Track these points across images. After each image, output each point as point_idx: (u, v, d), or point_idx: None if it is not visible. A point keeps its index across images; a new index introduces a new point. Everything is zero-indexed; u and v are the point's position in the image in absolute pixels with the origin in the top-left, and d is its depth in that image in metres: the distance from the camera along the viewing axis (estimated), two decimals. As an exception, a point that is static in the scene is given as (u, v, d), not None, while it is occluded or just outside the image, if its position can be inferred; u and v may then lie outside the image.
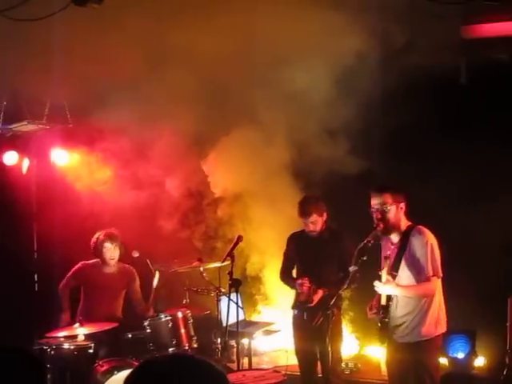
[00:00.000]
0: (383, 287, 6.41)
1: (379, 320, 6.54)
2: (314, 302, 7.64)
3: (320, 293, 7.63)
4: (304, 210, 7.84)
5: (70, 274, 8.76)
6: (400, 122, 9.08)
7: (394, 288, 6.40)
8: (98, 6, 7.00)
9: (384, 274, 6.38)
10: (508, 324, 8.62)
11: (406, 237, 6.48)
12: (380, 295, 6.50)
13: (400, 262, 6.45)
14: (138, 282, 8.83)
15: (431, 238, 6.46)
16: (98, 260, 8.70)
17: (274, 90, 9.74)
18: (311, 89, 9.67)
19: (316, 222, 7.84)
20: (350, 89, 9.18)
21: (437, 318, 6.48)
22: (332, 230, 8.01)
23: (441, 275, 6.44)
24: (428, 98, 9.18)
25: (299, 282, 7.74)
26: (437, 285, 6.46)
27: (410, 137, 9.56)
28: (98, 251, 8.63)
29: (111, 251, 8.60)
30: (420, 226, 6.54)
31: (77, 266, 8.76)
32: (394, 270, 6.44)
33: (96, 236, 8.65)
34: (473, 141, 9.26)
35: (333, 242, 7.87)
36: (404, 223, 6.54)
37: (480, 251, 8.83)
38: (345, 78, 9.19)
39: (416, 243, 6.43)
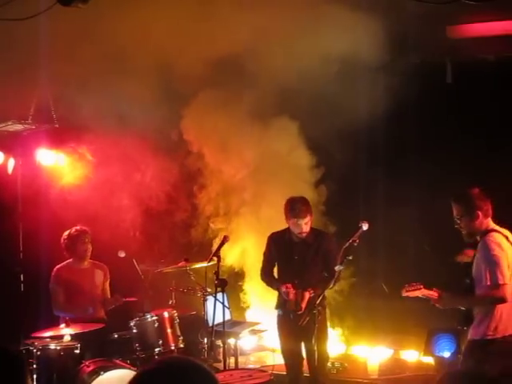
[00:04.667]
0: (439, 302, 6.38)
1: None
2: (303, 309, 7.53)
3: (306, 296, 7.56)
4: (300, 211, 7.69)
5: (53, 286, 8.72)
6: (385, 121, 9.12)
7: (450, 299, 6.39)
8: (83, 6, 6.95)
9: (416, 293, 6.36)
10: (494, 323, 8.64)
11: (479, 243, 6.41)
12: None
13: (472, 266, 6.41)
14: (108, 281, 8.91)
15: (494, 246, 6.27)
16: (70, 260, 8.75)
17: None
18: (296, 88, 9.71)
19: (308, 223, 7.76)
20: (334, 89, 9.18)
21: (491, 320, 6.29)
22: (315, 231, 7.96)
23: (505, 282, 6.19)
24: (414, 97, 9.19)
25: (284, 290, 7.63)
26: (505, 291, 6.20)
27: (398, 136, 9.59)
28: (72, 246, 8.69)
29: (86, 244, 8.68)
30: (490, 234, 6.36)
31: (53, 274, 8.77)
32: (468, 277, 6.41)
33: (67, 233, 8.73)
34: (458, 139, 9.31)
35: (316, 243, 7.81)
36: (483, 228, 6.40)
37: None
38: (330, 78, 9.19)
39: (480, 251, 6.33)
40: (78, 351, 7.65)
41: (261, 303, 10.53)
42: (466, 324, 6.49)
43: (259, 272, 8.19)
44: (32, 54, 8.56)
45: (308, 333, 6.93)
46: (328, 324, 8.05)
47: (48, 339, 7.72)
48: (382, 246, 9.36)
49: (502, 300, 6.25)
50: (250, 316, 10.74)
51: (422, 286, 6.37)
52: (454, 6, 7.14)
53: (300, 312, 7.56)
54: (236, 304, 10.32)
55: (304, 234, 7.79)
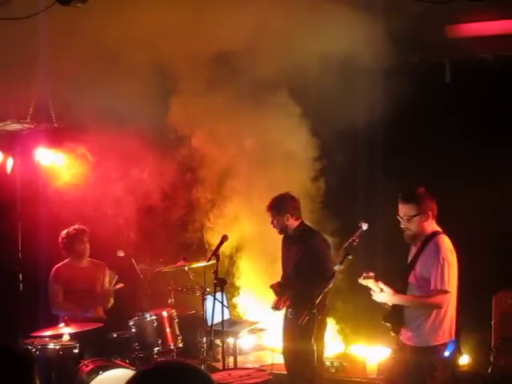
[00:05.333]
0: (378, 296, 6.41)
1: (385, 317, 6.58)
2: (279, 308, 7.76)
3: (285, 296, 7.70)
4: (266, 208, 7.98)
5: (52, 285, 8.72)
6: (384, 120, 9.11)
7: (392, 297, 6.40)
8: (82, 6, 6.95)
9: (369, 282, 6.38)
10: (493, 322, 8.66)
11: (424, 244, 6.44)
12: None
13: (412, 267, 6.45)
14: (107, 279, 8.91)
15: (445, 251, 6.36)
16: (68, 259, 8.77)
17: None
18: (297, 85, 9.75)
19: (275, 222, 7.94)
20: (332, 88, 9.18)
21: (440, 327, 6.40)
22: (302, 230, 8.02)
23: (449, 290, 6.31)
24: (412, 96, 9.18)
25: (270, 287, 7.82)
26: (445, 299, 6.34)
27: (396, 135, 9.59)
28: (70, 245, 8.72)
29: (84, 243, 8.72)
30: (440, 236, 6.45)
31: (52, 273, 8.77)
32: (406, 275, 6.45)
33: (65, 232, 8.75)
34: (457, 139, 9.30)
35: (299, 241, 7.91)
36: (429, 229, 6.47)
37: (464, 250, 8.85)
38: (327, 76, 9.20)
39: (429, 253, 6.38)
40: (76, 351, 7.65)
41: (252, 290, 10.59)
42: (393, 322, 6.53)
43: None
44: (31, 53, 8.55)
45: (307, 332, 6.92)
46: (326, 325, 8.07)
47: (47, 339, 7.71)
48: (381, 243, 9.36)
49: (440, 306, 6.36)
50: (238, 302, 10.78)
51: (373, 276, 6.39)
52: (452, 6, 7.15)
53: (275, 310, 7.78)
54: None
55: (278, 231, 8.00)
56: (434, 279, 6.28)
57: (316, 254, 7.67)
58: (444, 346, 6.46)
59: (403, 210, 6.45)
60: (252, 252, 10.50)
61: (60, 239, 8.78)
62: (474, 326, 8.87)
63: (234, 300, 10.70)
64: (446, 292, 6.31)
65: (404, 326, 6.53)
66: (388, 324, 6.62)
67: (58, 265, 8.79)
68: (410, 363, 6.51)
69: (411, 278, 6.46)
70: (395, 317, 6.52)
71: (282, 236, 8.18)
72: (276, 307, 7.77)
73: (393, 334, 6.69)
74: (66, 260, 8.80)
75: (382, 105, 9.03)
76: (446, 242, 6.43)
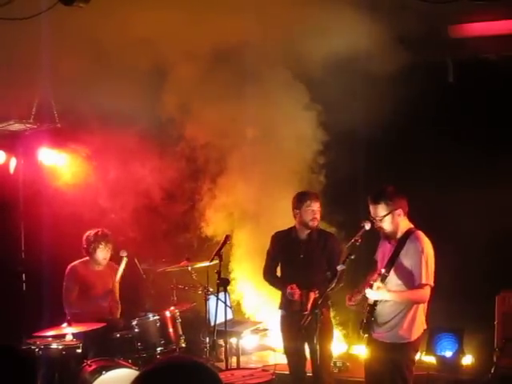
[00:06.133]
0: (374, 293, 6.41)
1: (365, 318, 6.56)
2: (309, 309, 7.56)
3: (312, 297, 7.53)
4: (311, 195, 7.79)
5: (68, 283, 8.54)
6: (385, 119, 9.11)
7: (386, 294, 6.41)
8: (84, 6, 6.96)
9: (376, 282, 6.39)
10: (496, 322, 8.67)
11: (403, 240, 6.48)
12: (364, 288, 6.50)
13: (393, 263, 6.46)
14: (118, 283, 8.82)
15: (427, 245, 6.45)
16: (87, 258, 8.64)
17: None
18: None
19: (319, 212, 7.76)
20: (334, 87, 9.18)
21: (416, 322, 6.50)
22: (320, 231, 7.94)
23: (432, 284, 6.43)
24: (415, 96, 9.17)
25: (288, 290, 7.62)
26: (429, 292, 6.45)
27: (398, 135, 9.59)
28: (91, 249, 8.49)
29: (105, 252, 8.52)
30: (418, 232, 6.52)
31: (69, 271, 8.59)
32: (386, 271, 6.46)
33: (91, 234, 8.53)
34: (460, 138, 9.30)
35: (322, 241, 7.79)
36: (404, 226, 6.53)
37: (467, 250, 8.87)
38: (329, 76, 9.20)
39: (411, 249, 6.42)
40: (79, 350, 7.62)
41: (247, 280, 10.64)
42: (367, 321, 6.55)
43: (262, 270, 8.13)
44: (34, 53, 8.56)
45: (310, 333, 6.91)
46: (332, 324, 8.04)
47: (50, 338, 7.69)
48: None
49: (425, 300, 6.50)
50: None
51: (381, 274, 6.45)
52: (455, 6, 7.15)
53: (306, 312, 7.58)
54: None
55: (316, 223, 7.75)
56: (419, 274, 6.37)
57: (338, 256, 7.56)
58: (419, 339, 6.60)
59: (374, 210, 6.50)
60: (250, 243, 10.51)
61: (85, 238, 8.58)
62: (477, 326, 8.88)
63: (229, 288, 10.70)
64: (431, 286, 6.43)
65: (378, 324, 6.57)
66: (365, 322, 6.63)
67: (75, 263, 8.60)
68: (389, 360, 6.55)
69: (391, 273, 6.49)
70: (369, 316, 6.56)
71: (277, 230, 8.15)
72: (305, 309, 7.63)
73: (362, 334, 6.71)
74: (85, 259, 8.62)
75: (384, 105, 9.03)
76: (424, 238, 6.51)
